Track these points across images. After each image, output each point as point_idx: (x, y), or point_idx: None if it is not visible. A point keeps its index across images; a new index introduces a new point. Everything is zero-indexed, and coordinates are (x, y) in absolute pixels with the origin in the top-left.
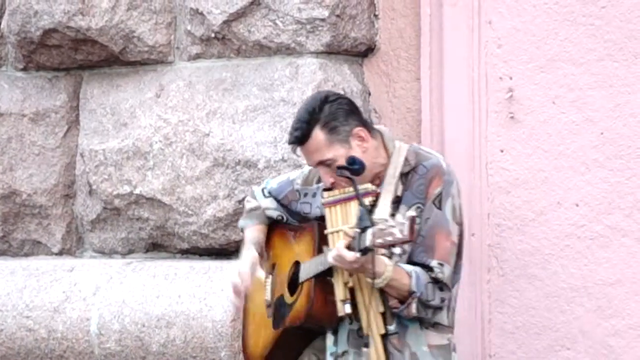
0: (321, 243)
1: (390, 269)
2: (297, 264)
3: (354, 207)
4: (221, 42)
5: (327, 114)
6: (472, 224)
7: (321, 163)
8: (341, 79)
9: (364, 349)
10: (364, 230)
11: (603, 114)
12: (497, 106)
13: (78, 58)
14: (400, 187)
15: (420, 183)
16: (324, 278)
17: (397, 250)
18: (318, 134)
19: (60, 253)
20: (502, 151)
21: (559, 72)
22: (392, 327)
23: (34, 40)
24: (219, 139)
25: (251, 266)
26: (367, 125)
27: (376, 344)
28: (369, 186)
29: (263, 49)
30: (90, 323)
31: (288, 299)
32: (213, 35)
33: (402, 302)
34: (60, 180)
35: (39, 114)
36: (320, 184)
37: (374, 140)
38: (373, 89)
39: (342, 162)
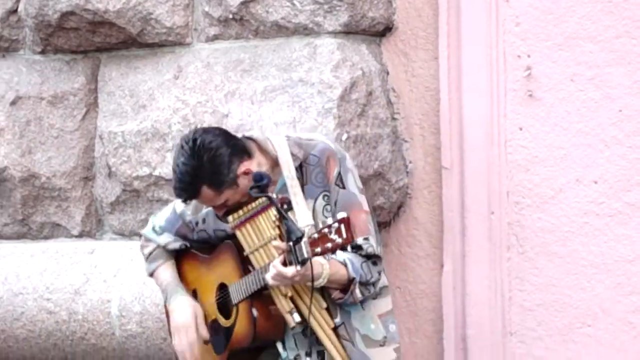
0: (244, 263)
1: (327, 266)
2: (222, 287)
3: (263, 222)
4: (239, 23)
5: (209, 171)
6: (491, 202)
7: (213, 206)
8: (359, 59)
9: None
10: (297, 241)
11: (621, 91)
12: (516, 84)
13: (96, 40)
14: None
15: (317, 172)
16: (260, 293)
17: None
18: (205, 191)
19: (80, 235)
20: (520, 129)
21: (577, 49)
22: (337, 320)
23: (52, 23)
24: (238, 120)
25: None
26: (245, 149)
27: (331, 339)
28: (265, 199)
29: (281, 30)
30: (110, 305)
31: (224, 322)
32: (231, 16)
33: (343, 290)
34: (79, 163)
35: (57, 97)
36: (208, 209)
37: (255, 159)
38: (391, 68)
39: (235, 199)
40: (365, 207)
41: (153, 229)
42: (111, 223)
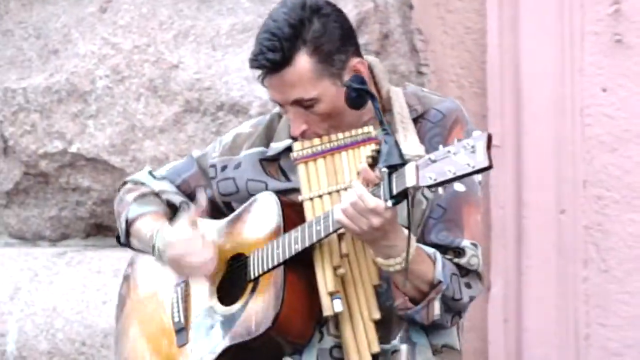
0: (286, 222)
1: (415, 244)
2: (235, 259)
3: (347, 160)
4: None
5: (318, 31)
6: (561, 195)
7: (297, 102)
8: None
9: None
10: (394, 168)
11: None
12: (597, 25)
13: None
14: None
15: (435, 133)
16: (295, 266)
17: (460, 187)
18: (303, 61)
19: None
20: (604, 90)
21: None
22: (395, 342)
23: None
24: (193, 73)
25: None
26: (361, 54)
27: None
28: (371, 130)
29: None
30: (6, 341)
31: (221, 309)
32: None
33: (413, 300)
34: None
35: None
36: (250, 151)
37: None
38: (417, 1)
39: (326, 105)
40: (481, 208)
41: (150, 173)
42: (7, 221)
